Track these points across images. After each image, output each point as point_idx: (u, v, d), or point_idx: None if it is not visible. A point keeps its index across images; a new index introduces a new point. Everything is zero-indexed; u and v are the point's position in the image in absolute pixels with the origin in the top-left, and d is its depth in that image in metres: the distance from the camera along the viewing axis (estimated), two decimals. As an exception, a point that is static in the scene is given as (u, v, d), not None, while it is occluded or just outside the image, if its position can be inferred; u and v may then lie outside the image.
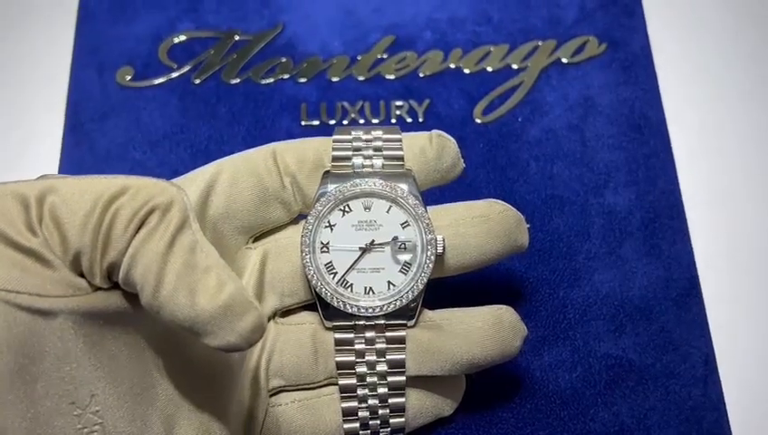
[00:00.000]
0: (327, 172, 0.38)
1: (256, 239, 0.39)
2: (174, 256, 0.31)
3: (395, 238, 0.37)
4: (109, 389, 0.33)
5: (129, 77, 0.50)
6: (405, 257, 0.37)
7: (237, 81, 0.50)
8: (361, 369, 0.38)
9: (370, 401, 0.38)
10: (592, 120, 0.49)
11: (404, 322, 0.38)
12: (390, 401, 0.38)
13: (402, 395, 0.38)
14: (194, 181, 0.38)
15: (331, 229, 0.38)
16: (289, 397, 0.39)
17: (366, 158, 0.38)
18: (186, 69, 0.50)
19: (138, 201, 0.31)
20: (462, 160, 0.39)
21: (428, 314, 0.38)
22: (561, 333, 0.44)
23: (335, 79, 0.50)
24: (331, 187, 0.38)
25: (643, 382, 0.42)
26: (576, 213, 0.47)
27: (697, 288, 0.45)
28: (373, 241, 0.37)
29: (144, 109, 0.49)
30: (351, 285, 0.37)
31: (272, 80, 0.50)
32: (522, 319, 0.39)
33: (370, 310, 0.37)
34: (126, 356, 0.33)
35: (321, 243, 0.37)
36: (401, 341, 0.38)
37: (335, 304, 0.37)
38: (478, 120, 0.49)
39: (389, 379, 0.38)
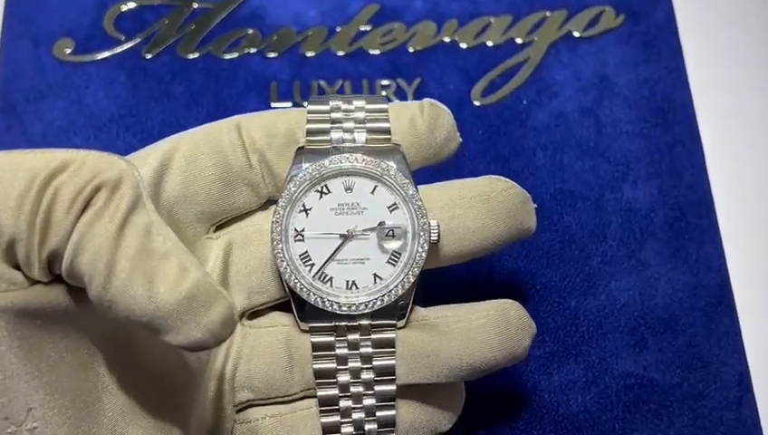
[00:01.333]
0: (301, 148, 0.37)
1: (219, 228, 0.39)
2: (126, 240, 0.30)
3: (381, 224, 0.37)
4: (48, 402, 0.32)
5: (68, 50, 0.49)
6: (393, 246, 0.37)
7: (196, 55, 0.50)
8: (344, 378, 0.37)
9: (355, 415, 0.37)
10: (608, 104, 0.49)
11: (393, 321, 0.37)
12: (379, 414, 0.37)
13: (392, 407, 0.37)
14: (145, 160, 0.37)
15: (307, 214, 0.37)
16: (259, 412, 0.38)
17: (346, 131, 0.37)
18: (135, 41, 0.50)
19: (81, 178, 0.31)
20: (458, 135, 0.39)
21: (421, 312, 0.38)
22: (573, 348, 0.44)
23: (310, 54, 0.50)
24: (305, 165, 0.37)
25: (667, 405, 0.42)
26: (590, 210, 0.46)
27: (729, 297, 0.45)
28: (356, 227, 0.37)
29: (87, 88, 0.49)
30: (331, 278, 0.37)
31: (236, 54, 0.50)
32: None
33: (354, 307, 0.36)
34: (68, 363, 0.33)
35: (295, 230, 0.37)
36: (390, 344, 0.37)
37: (312, 301, 0.36)
38: (477, 103, 0.49)
39: (377, 388, 0.37)
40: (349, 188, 0.37)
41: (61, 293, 0.32)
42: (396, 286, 0.36)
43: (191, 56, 0.49)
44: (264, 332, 0.38)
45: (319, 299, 0.36)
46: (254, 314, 0.39)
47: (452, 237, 0.38)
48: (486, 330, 0.37)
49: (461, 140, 0.39)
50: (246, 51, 0.50)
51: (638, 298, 0.44)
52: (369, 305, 0.36)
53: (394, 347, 0.37)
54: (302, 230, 0.37)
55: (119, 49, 0.49)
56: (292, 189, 0.37)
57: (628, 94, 0.49)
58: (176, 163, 0.37)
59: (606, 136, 0.48)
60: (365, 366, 0.37)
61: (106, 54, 0.49)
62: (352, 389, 0.37)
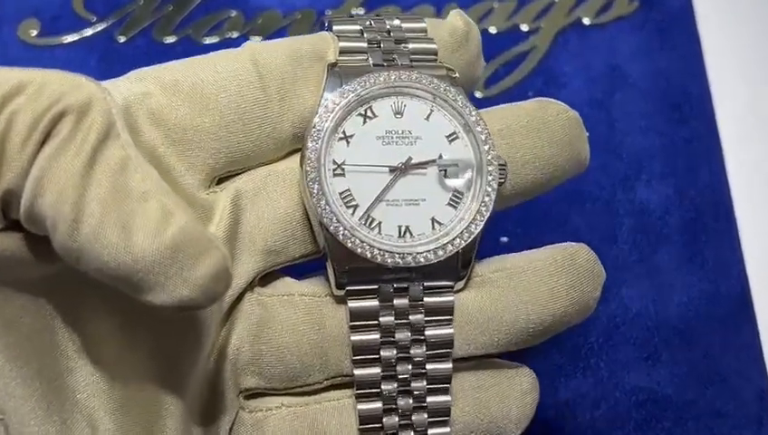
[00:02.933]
0: (333, 65, 0.33)
1: (221, 181, 0.34)
2: (97, 177, 0.28)
3: (440, 156, 0.33)
4: (10, 371, 0.30)
5: (34, 32, 0.49)
6: (455, 184, 0.33)
7: (173, 39, 0.49)
8: (389, 353, 0.33)
9: (401, 402, 0.33)
10: (620, 96, 0.49)
11: (450, 283, 0.33)
12: (430, 399, 0.33)
13: (447, 391, 0.33)
14: (125, 85, 0.33)
15: (348, 142, 0.32)
16: (273, 401, 0.34)
17: (386, 52, 0.33)
18: (108, 23, 0.49)
19: (41, 102, 0.28)
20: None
21: (476, 268, 0.34)
22: (582, 360, 0.44)
23: None
24: (344, 85, 0.33)
25: (682, 423, 0.42)
26: (600, 211, 0.46)
27: (749, 306, 0.44)
28: (410, 159, 0.33)
29: None
30: (380, 223, 0.32)
31: (217, 39, 0.49)
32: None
33: (408, 259, 0.32)
34: (29, 326, 0.30)
35: (334, 162, 0.32)
36: (447, 310, 0.33)
37: (358, 251, 0.32)
38: (479, 94, 0.48)
39: (430, 366, 0.33)
40: (398, 112, 0.33)
41: (16, 241, 0.29)
42: (459, 234, 0.32)
43: (168, 40, 0.49)
44: (279, 301, 0.34)
45: (366, 248, 0.32)
46: (264, 278, 0.35)
47: (512, 171, 0.35)
48: (554, 279, 0.34)
49: (485, 64, 0.37)
50: (228, 35, 0.49)
51: (651, 307, 0.44)
52: (430, 257, 0.32)
53: (452, 314, 0.33)
54: (343, 163, 0.32)
55: (89, 31, 0.49)
56: (330, 109, 0.32)
57: (641, 86, 0.49)
58: (165, 93, 0.33)
59: (618, 131, 0.48)
60: (416, 337, 0.33)
61: (75, 37, 0.49)
62: (399, 367, 0.33)
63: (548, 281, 0.34)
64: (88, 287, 0.30)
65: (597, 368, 0.43)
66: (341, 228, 0.32)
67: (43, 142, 0.28)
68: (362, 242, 0.32)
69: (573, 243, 0.35)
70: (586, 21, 0.50)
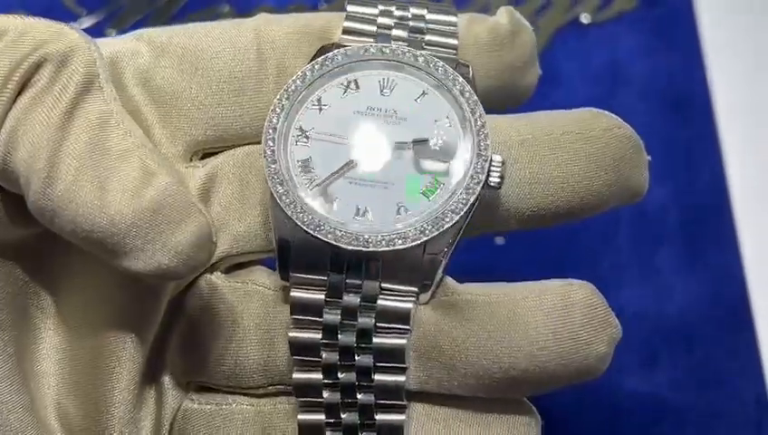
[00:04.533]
0: (330, 45, 0.30)
1: (204, 157, 0.32)
2: (74, 131, 0.26)
3: (423, 141, 0.29)
4: None
5: None
6: (435, 168, 0.29)
7: None
8: (330, 356, 0.28)
9: (345, 416, 0.29)
10: (620, 96, 0.48)
11: (413, 288, 0.28)
12: (380, 418, 0.29)
13: (401, 410, 0.28)
14: (108, 44, 0.31)
15: (320, 110, 0.29)
16: (226, 398, 0.31)
17: (396, 40, 0.30)
18: (98, 17, 0.49)
19: (20, 49, 0.27)
20: (538, 64, 0.33)
21: (450, 285, 0.29)
22: None
23: None
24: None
25: (681, 426, 0.42)
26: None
27: (748, 308, 0.44)
28: (385, 138, 0.29)
29: None
30: (335, 199, 0.29)
31: None
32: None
33: (361, 240, 0.28)
34: (2, 291, 0.29)
35: (300, 129, 0.29)
36: (404, 317, 0.28)
37: (297, 221, 0.28)
38: None
39: (378, 378, 0.28)
40: (386, 88, 0.30)
41: None
42: (426, 226, 0.28)
43: None
44: (231, 289, 0.31)
45: (309, 220, 0.28)
46: (232, 268, 0.32)
47: (531, 188, 0.30)
48: (542, 321, 0.28)
49: (540, 72, 0.33)
50: None
51: (650, 309, 0.44)
52: (383, 242, 0.28)
53: (409, 323, 0.28)
54: (311, 129, 0.29)
55: (79, 26, 0.48)
56: (308, 73, 0.29)
57: (640, 85, 0.49)
58: (156, 51, 0.31)
59: None
60: (362, 344, 0.28)
61: None
62: (341, 375, 0.29)
63: (527, 320, 0.28)
64: (59, 250, 0.29)
65: None
66: (288, 196, 0.28)
67: (19, 92, 0.27)
68: (306, 213, 0.28)
69: (574, 280, 0.29)
70: (585, 19, 0.50)
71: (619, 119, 0.31)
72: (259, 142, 0.30)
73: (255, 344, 0.30)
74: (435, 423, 0.30)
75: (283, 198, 0.28)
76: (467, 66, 0.30)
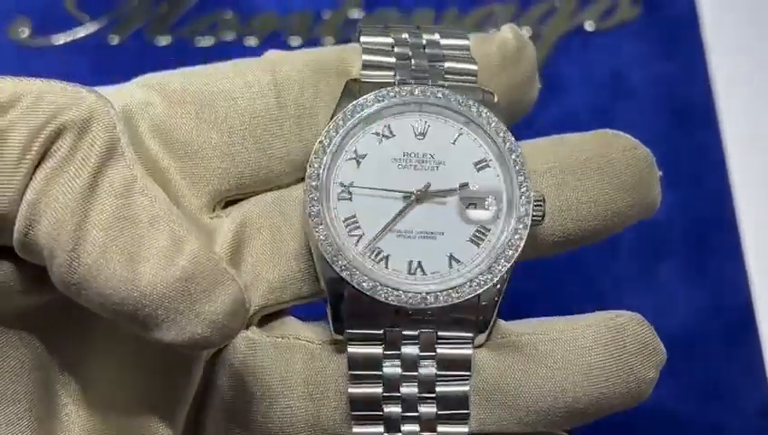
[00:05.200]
0: (354, 82, 0.30)
1: (227, 205, 0.32)
2: (99, 201, 0.25)
3: (464, 185, 0.29)
4: None
5: (25, 32, 0.48)
6: (480, 217, 0.29)
7: (167, 40, 0.49)
8: (393, 409, 0.29)
9: None
10: (622, 103, 0.48)
11: (469, 334, 0.29)
12: None
13: None
14: (126, 94, 0.30)
15: (358, 163, 0.29)
16: None
17: (417, 71, 0.30)
18: (100, 23, 0.49)
19: (37, 117, 0.26)
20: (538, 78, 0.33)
21: (503, 326, 0.30)
22: None
23: (296, 42, 0.49)
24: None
25: None
26: None
27: (752, 319, 0.44)
28: (428, 185, 0.29)
29: (44, 73, 0.47)
30: (387, 257, 0.29)
31: (212, 40, 0.49)
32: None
33: (419, 299, 0.28)
34: (18, 362, 0.28)
35: (341, 184, 0.29)
36: (464, 364, 0.29)
37: (355, 284, 0.28)
38: None
39: (441, 429, 0.29)
40: (421, 133, 0.30)
41: (10, 271, 0.27)
42: (481, 276, 0.29)
43: (162, 41, 0.49)
44: (272, 345, 0.30)
45: (367, 283, 0.28)
46: (265, 317, 0.32)
47: (561, 215, 0.31)
48: (594, 353, 0.29)
49: (540, 86, 0.34)
50: (223, 37, 0.49)
51: (653, 319, 0.43)
52: (444, 298, 0.28)
53: (470, 369, 0.29)
54: (351, 184, 0.29)
55: (81, 32, 0.49)
56: (340, 122, 0.29)
57: (644, 93, 0.49)
58: (171, 101, 0.30)
59: None
60: (425, 395, 0.29)
61: (67, 37, 0.48)
62: (405, 428, 0.29)
63: (586, 355, 0.30)
64: (82, 321, 0.28)
65: None
66: (340, 259, 0.28)
67: (39, 162, 0.26)
68: (364, 275, 0.28)
69: (623, 312, 0.31)
70: (588, 27, 0.50)
71: (634, 138, 0.33)
72: (283, 186, 0.31)
73: (303, 400, 0.30)
74: None
75: (337, 262, 0.28)
76: (492, 94, 0.31)
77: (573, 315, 0.31)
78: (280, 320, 0.31)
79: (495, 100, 0.31)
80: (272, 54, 0.32)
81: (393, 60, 0.31)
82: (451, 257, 0.29)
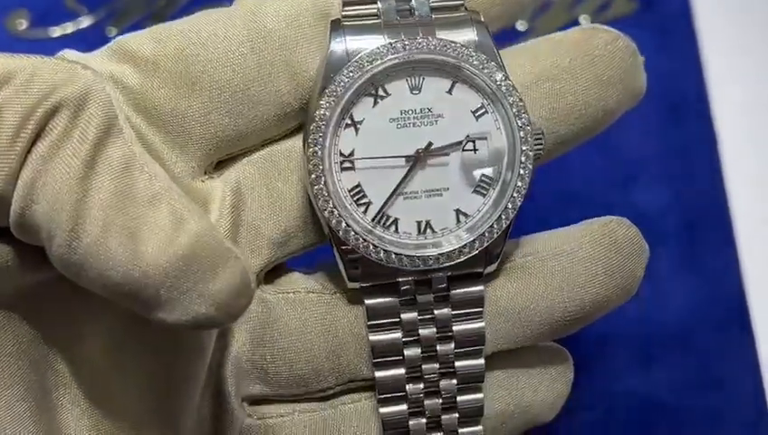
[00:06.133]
0: (336, 23, 0.29)
1: (218, 166, 0.31)
2: (98, 180, 0.25)
3: (466, 137, 0.29)
4: None
5: (23, 24, 0.48)
6: (483, 166, 0.29)
7: None
8: (413, 351, 0.30)
9: (428, 402, 0.31)
10: None
11: (479, 269, 0.30)
12: (461, 398, 0.31)
13: (479, 389, 0.31)
14: (107, 61, 0.29)
15: (356, 130, 0.29)
16: (285, 408, 0.31)
17: (400, 1, 0.29)
18: (98, 16, 0.49)
19: (32, 95, 0.25)
20: None
21: (507, 249, 0.31)
22: (577, 365, 0.42)
23: None
24: (348, 46, 0.28)
25: (678, 428, 0.42)
26: (595, 215, 0.45)
27: (745, 311, 0.44)
28: (430, 144, 0.29)
29: None
30: (396, 220, 0.29)
31: None
32: None
33: (433, 260, 0.29)
34: (15, 344, 0.27)
35: (341, 154, 0.29)
36: (476, 301, 0.30)
37: (372, 257, 0.29)
38: None
39: (459, 363, 0.31)
40: (416, 88, 0.29)
41: (4, 252, 0.26)
42: (489, 228, 0.29)
43: None
44: (285, 300, 0.31)
45: (381, 253, 0.29)
46: (269, 272, 0.32)
47: (553, 123, 0.31)
48: (593, 262, 0.31)
49: None
50: None
51: (647, 312, 0.44)
52: (453, 256, 0.29)
53: (482, 305, 0.30)
54: (351, 154, 0.29)
55: (79, 24, 0.48)
56: (333, 93, 0.28)
57: (639, 88, 0.49)
58: (145, 70, 0.29)
59: (613, 133, 0.45)
60: (443, 333, 0.30)
61: (65, 30, 0.48)
62: (425, 366, 0.30)
63: (586, 264, 0.31)
64: (78, 302, 0.28)
65: (591, 373, 0.42)
66: (352, 232, 0.29)
67: (34, 141, 0.25)
68: (376, 247, 0.29)
69: (611, 217, 0.32)
70: (583, 21, 0.50)
71: (613, 30, 0.32)
72: (276, 141, 0.31)
73: (324, 350, 0.31)
74: (500, 389, 0.32)
75: (350, 236, 0.29)
76: (478, 14, 0.30)
77: (567, 227, 0.32)
78: (285, 275, 0.31)
79: (482, 20, 0.30)
80: (242, 4, 0.30)
81: None
82: (458, 212, 0.30)
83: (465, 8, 0.30)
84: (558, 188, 0.46)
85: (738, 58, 0.50)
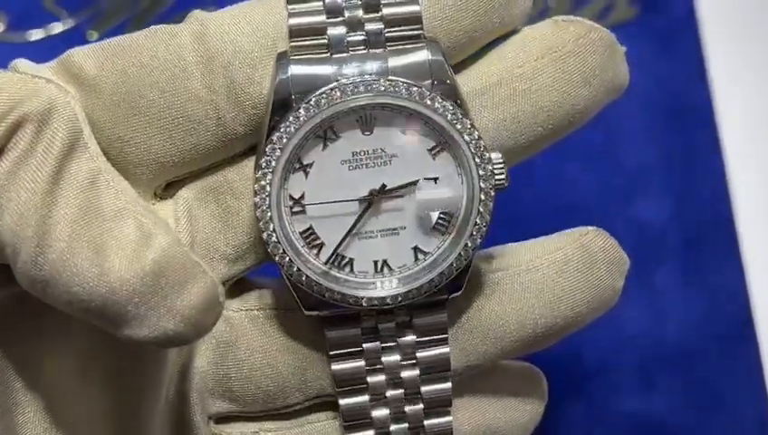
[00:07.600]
0: (283, 55, 0.28)
1: (168, 187, 0.31)
2: (64, 195, 0.25)
3: (422, 177, 0.29)
4: None
5: (1, 27, 0.48)
6: (440, 208, 0.29)
7: None
8: (377, 379, 0.30)
9: (395, 428, 0.31)
10: (618, 105, 0.46)
11: (443, 297, 0.30)
12: (429, 422, 0.31)
13: (448, 412, 0.31)
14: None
15: (306, 173, 0.28)
16: (250, 426, 0.31)
17: (351, 25, 0.28)
18: (79, 19, 0.49)
19: None
20: None
21: (476, 265, 0.31)
22: (575, 385, 0.44)
23: None
24: (294, 89, 0.28)
25: None
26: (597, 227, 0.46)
27: (751, 328, 0.44)
28: (384, 186, 0.29)
29: None
30: (351, 261, 0.29)
31: None
32: None
33: (390, 300, 0.29)
34: None
35: (291, 198, 0.28)
36: (440, 327, 0.30)
37: (326, 298, 0.29)
38: None
39: (425, 388, 0.30)
40: (367, 129, 0.28)
41: None
42: (448, 266, 0.29)
43: None
44: (247, 317, 0.31)
45: (335, 294, 0.29)
46: (230, 288, 0.32)
47: (517, 126, 0.30)
48: (566, 277, 0.30)
49: None
50: None
51: (649, 329, 0.44)
52: (410, 296, 0.29)
53: (446, 331, 0.30)
54: (302, 198, 0.28)
55: (59, 27, 0.48)
56: (281, 139, 0.28)
57: (640, 95, 0.48)
58: (87, 91, 0.28)
59: (615, 143, 0.48)
60: (406, 361, 0.30)
61: (44, 33, 0.48)
62: (389, 393, 0.30)
63: (559, 279, 0.31)
64: (41, 319, 0.28)
65: (590, 393, 0.43)
66: (304, 277, 0.28)
67: None
68: (332, 290, 0.29)
69: (587, 228, 0.31)
70: (583, 25, 0.50)
71: (586, 20, 0.31)
72: (227, 162, 0.30)
73: (289, 367, 0.31)
74: (469, 412, 0.32)
75: (302, 279, 0.28)
76: (436, 42, 0.29)
77: (541, 238, 0.32)
78: (247, 292, 0.31)
79: (441, 48, 0.29)
80: (194, 19, 0.29)
81: (322, 18, 0.28)
82: (416, 249, 0.29)
83: (425, 36, 0.29)
84: (557, 201, 0.46)
85: (743, 65, 0.50)
